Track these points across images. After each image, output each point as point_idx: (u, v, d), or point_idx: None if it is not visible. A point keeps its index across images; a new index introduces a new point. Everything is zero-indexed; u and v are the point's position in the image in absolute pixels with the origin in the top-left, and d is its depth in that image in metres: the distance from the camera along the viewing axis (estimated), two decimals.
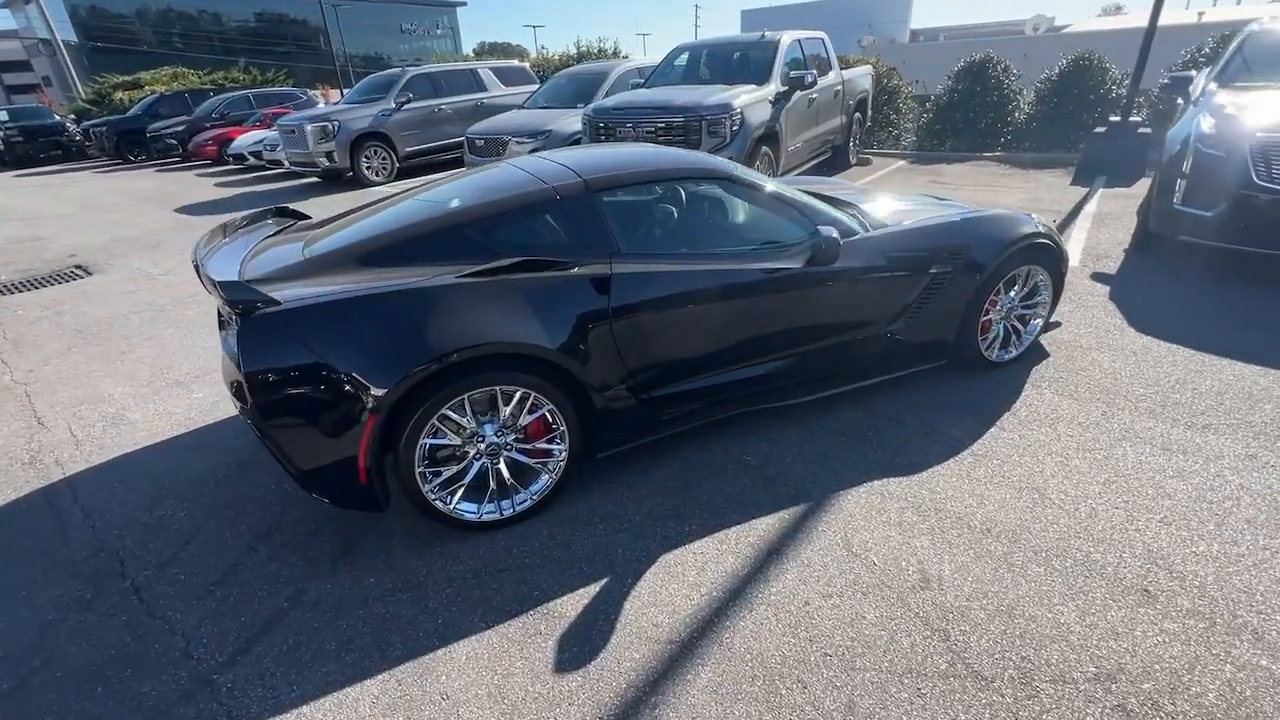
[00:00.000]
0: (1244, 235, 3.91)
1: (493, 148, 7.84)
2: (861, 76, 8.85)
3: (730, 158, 4.77)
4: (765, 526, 2.24)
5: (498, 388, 2.12)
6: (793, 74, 6.43)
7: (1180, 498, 2.26)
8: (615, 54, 15.54)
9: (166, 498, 2.61)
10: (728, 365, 2.57)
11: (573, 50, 15.40)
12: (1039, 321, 3.25)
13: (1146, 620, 1.79)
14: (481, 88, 11.42)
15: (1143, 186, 6.31)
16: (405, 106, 10.01)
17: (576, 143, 7.74)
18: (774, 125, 6.21)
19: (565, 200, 2.38)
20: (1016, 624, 1.80)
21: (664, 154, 2.95)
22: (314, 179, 10.61)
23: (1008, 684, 1.64)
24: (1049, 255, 3.09)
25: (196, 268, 2.24)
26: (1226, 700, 1.57)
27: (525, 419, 2.23)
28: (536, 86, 12.34)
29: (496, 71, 11.78)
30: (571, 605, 1.97)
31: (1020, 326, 3.23)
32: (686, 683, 1.70)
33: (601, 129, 6.23)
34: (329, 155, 9.51)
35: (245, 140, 12.50)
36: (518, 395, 2.16)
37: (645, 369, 2.39)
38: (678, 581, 2.04)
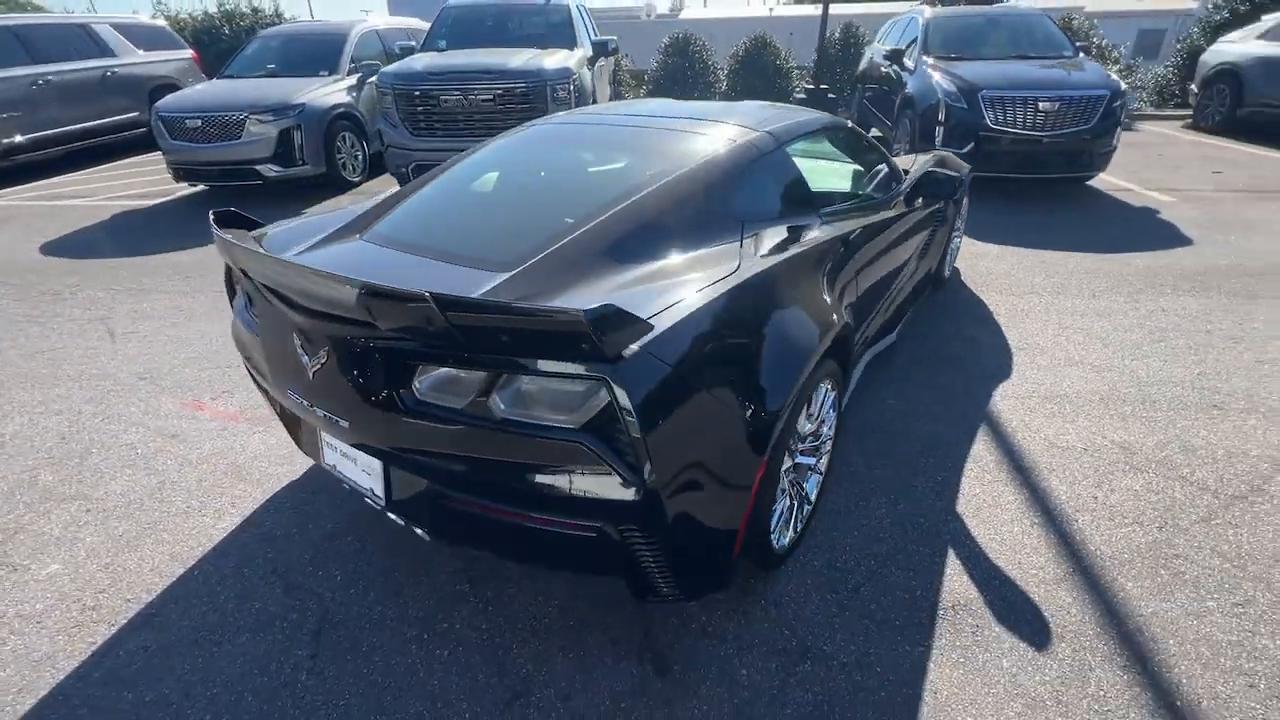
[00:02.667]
0: (988, 164, 5.53)
1: (218, 129, 5.88)
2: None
3: None
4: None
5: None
6: (595, 40, 6.38)
7: (1105, 330, 3.31)
8: (278, 15, 12.66)
9: None
10: (874, 310, 2.68)
11: (210, 8, 11.99)
12: (960, 240, 4.15)
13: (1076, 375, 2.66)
14: (106, 51, 8.26)
15: None
16: None
17: (343, 117, 6.39)
18: (593, 92, 6.13)
19: (773, 155, 2.13)
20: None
21: (781, 106, 2.79)
22: None
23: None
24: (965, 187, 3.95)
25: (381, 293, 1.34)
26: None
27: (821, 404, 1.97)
28: (186, 51, 9.53)
29: (122, 29, 8.59)
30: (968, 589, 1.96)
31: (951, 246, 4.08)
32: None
33: (418, 97, 5.26)
34: None
35: None
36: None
37: (855, 314, 2.32)
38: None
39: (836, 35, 10.92)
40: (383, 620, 1.80)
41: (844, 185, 2.81)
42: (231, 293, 2.03)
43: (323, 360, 1.46)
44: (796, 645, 1.69)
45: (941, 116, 5.59)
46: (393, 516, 1.68)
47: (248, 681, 1.63)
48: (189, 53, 9.66)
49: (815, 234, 1.99)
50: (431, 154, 5.37)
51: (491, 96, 5.18)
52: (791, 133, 2.29)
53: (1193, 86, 9.17)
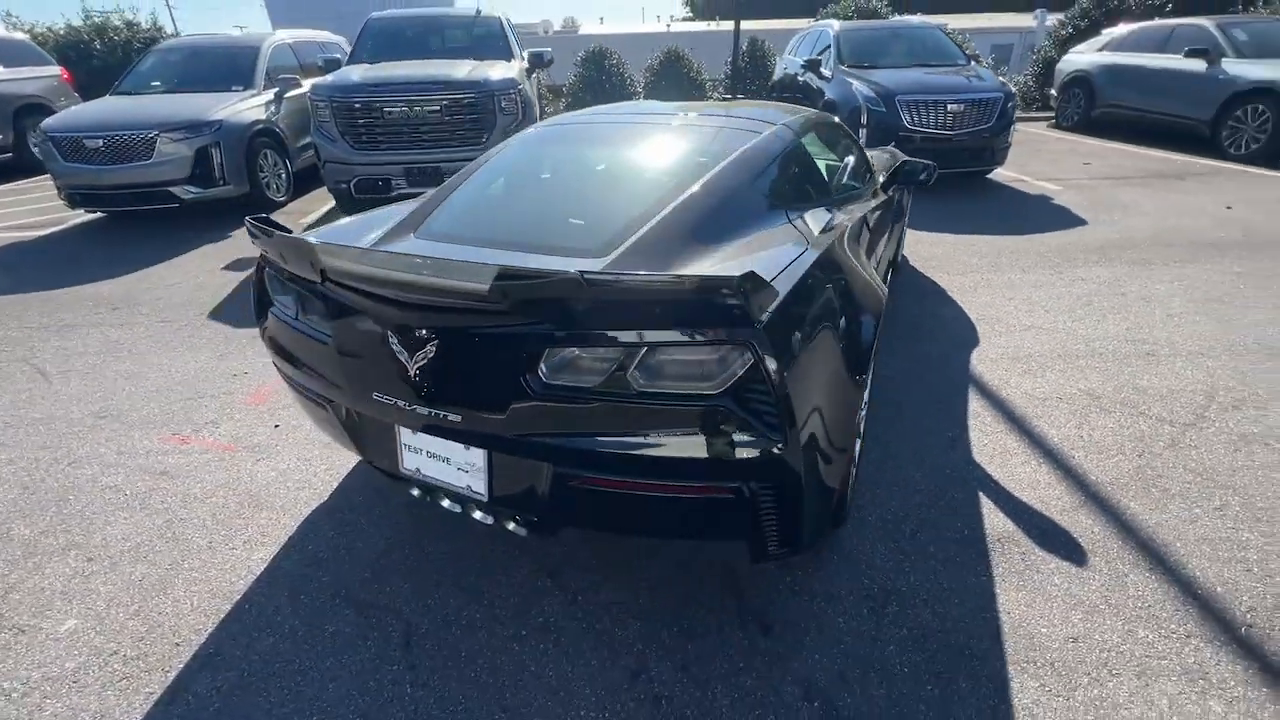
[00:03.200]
0: None
1: (124, 149, 5.37)
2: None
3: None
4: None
5: None
6: (532, 52, 6.40)
7: (1044, 299, 3.77)
8: (157, 29, 11.55)
9: None
10: None
11: (76, 21, 10.75)
12: (906, 228, 4.53)
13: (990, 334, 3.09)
14: None
15: None
16: None
17: (263, 134, 6.03)
18: (537, 104, 6.15)
19: (795, 146, 2.29)
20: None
21: (766, 103, 2.96)
22: None
23: None
24: None
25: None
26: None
27: None
28: (53, 68, 8.64)
29: None
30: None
31: None
32: None
33: (359, 110, 5.06)
34: None
35: None
36: None
37: None
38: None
39: (745, 48, 11.52)
40: (472, 624, 1.76)
41: (840, 173, 3.02)
42: (262, 306, 1.91)
43: (429, 355, 1.43)
44: (878, 590, 1.82)
45: (863, 120, 6.06)
46: (479, 516, 1.66)
47: (350, 703, 1.55)
48: (57, 69, 8.72)
49: (841, 217, 2.16)
50: (375, 168, 5.18)
51: (438, 107, 5.07)
52: (802, 126, 2.47)
53: (1052, 91, 10.44)
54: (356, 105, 5.04)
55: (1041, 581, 1.83)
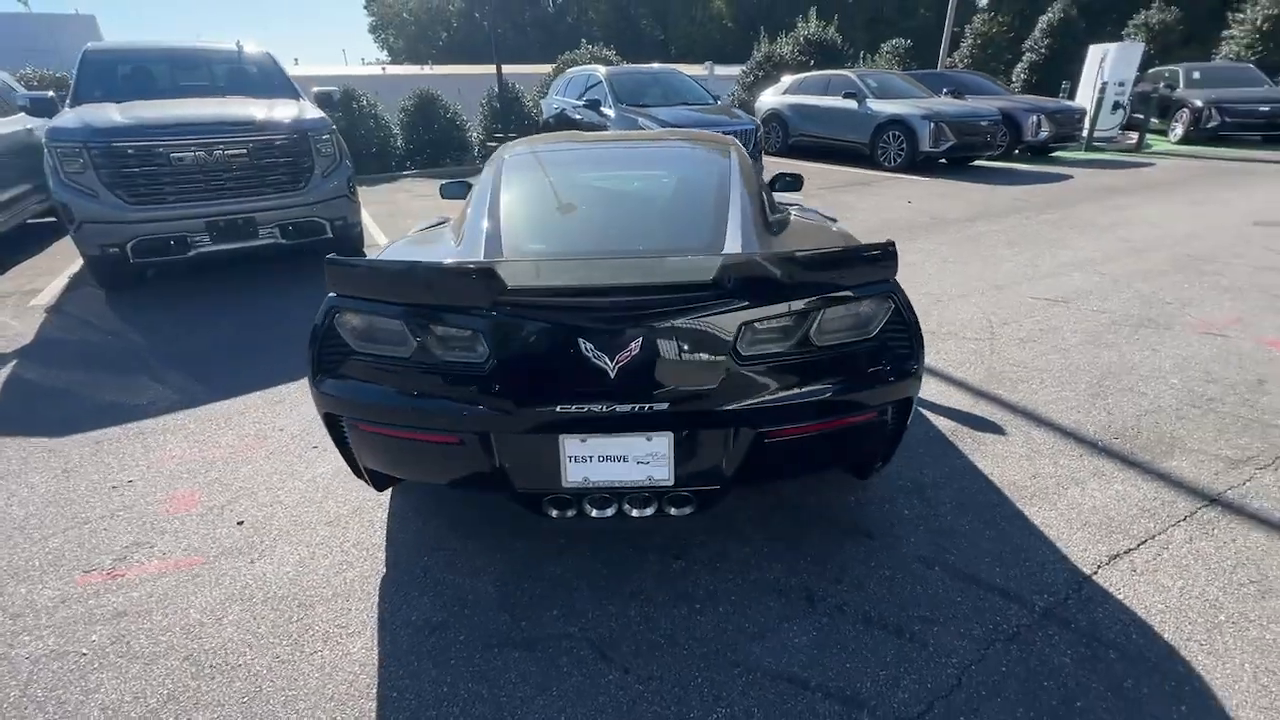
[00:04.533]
0: None
1: None
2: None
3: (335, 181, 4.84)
4: None
5: None
6: (319, 92, 5.87)
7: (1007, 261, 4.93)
8: None
9: None
10: None
11: None
12: None
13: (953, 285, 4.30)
14: None
15: None
16: None
17: None
18: None
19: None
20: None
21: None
22: None
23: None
24: None
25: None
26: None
27: None
28: None
29: None
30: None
31: None
32: None
33: (132, 156, 4.13)
34: None
35: None
36: None
37: None
38: None
39: (498, 91, 11.89)
40: (647, 616, 1.83)
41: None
42: (333, 361, 1.71)
43: (633, 351, 1.54)
44: (911, 485, 2.37)
45: None
46: (640, 512, 1.77)
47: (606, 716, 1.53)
48: None
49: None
50: (163, 225, 4.29)
51: (244, 151, 4.40)
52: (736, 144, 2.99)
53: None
54: (130, 151, 4.12)
55: (991, 450, 2.58)
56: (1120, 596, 1.84)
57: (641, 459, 1.69)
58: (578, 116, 8.39)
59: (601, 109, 7.87)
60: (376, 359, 1.68)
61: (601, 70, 8.27)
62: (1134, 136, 11.74)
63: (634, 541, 2.11)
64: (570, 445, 1.67)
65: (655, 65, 11.55)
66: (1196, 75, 12.72)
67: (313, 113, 4.98)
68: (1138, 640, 1.70)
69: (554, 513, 1.78)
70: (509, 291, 1.51)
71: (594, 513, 1.78)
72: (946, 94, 10.68)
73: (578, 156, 2.71)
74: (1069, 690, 1.57)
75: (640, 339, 1.55)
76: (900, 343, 1.74)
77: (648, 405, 1.59)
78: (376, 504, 2.33)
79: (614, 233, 2.15)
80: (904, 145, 9.59)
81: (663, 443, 1.67)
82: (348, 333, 1.70)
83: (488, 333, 1.58)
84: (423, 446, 1.73)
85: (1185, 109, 12.14)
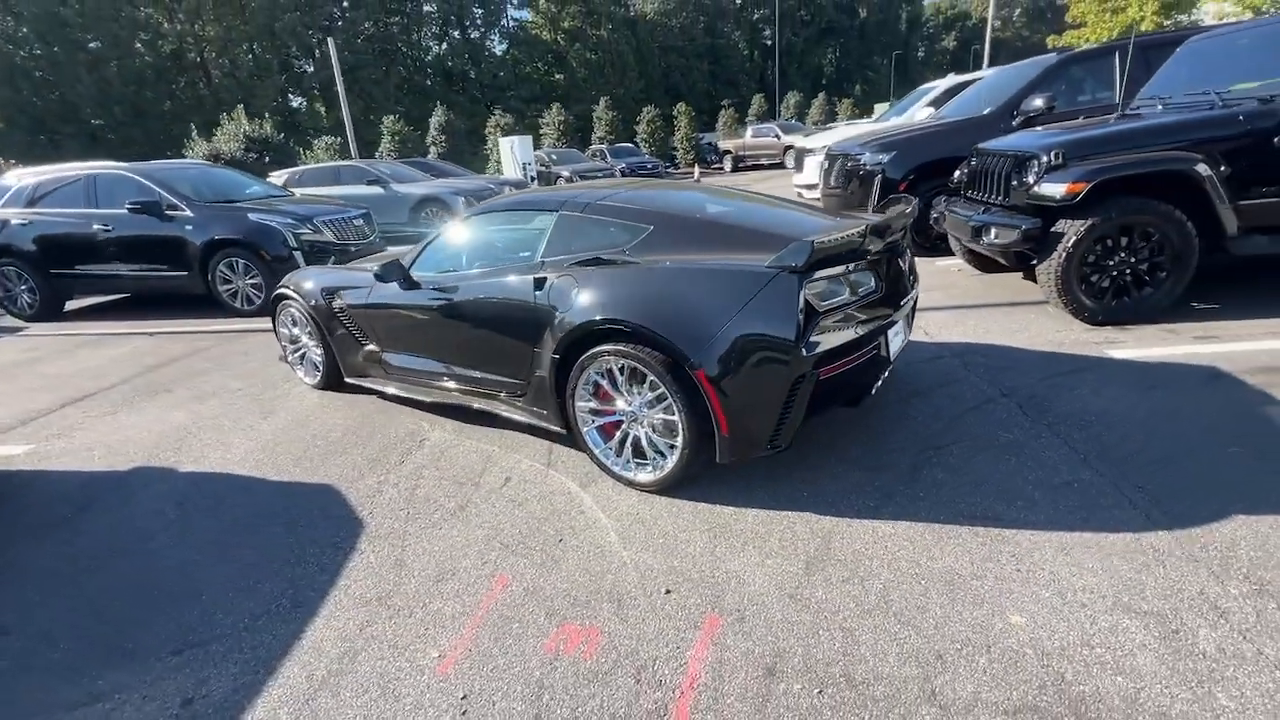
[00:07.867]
0: None
1: None
2: None
3: None
4: None
5: None
6: None
7: None
8: None
9: None
10: None
11: None
12: None
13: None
14: None
15: None
16: None
17: None
18: None
19: None
20: None
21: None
22: None
23: None
24: None
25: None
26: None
27: None
28: None
29: None
30: None
31: None
32: None
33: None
34: None
35: None
36: None
37: None
38: None
39: None
40: (906, 477, 2.65)
41: None
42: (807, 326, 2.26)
43: (897, 268, 2.57)
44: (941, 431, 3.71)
45: None
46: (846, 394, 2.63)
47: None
48: None
49: None
50: None
51: None
52: None
53: None
54: None
55: (961, 389, 3.83)
56: None
57: (898, 333, 2.73)
58: None
59: None
60: (834, 304, 2.35)
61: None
62: None
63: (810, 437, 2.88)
64: (891, 331, 2.65)
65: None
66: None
67: None
68: None
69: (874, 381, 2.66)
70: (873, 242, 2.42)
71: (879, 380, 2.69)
72: None
73: (655, 195, 3.15)
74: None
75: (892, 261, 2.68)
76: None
77: (903, 310, 2.69)
78: None
79: (741, 234, 2.70)
80: (443, 218, 10.61)
81: (902, 325, 2.75)
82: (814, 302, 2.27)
83: (868, 273, 2.54)
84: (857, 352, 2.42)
85: None
